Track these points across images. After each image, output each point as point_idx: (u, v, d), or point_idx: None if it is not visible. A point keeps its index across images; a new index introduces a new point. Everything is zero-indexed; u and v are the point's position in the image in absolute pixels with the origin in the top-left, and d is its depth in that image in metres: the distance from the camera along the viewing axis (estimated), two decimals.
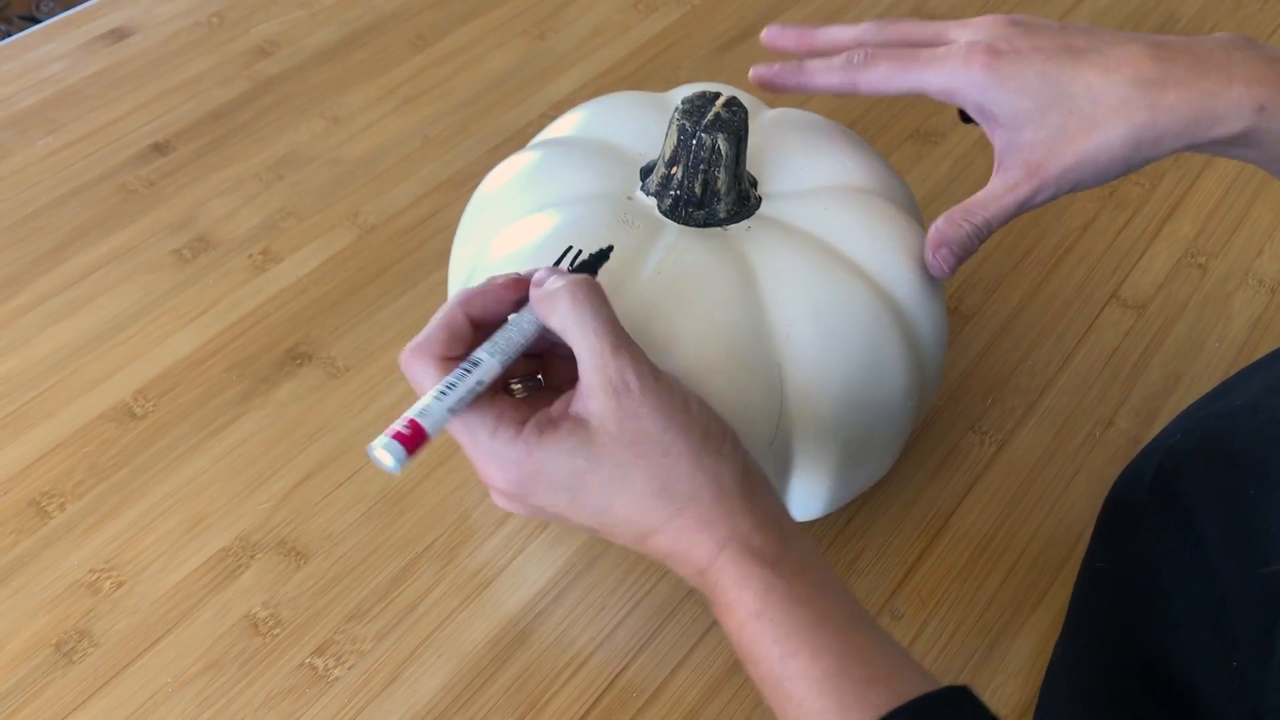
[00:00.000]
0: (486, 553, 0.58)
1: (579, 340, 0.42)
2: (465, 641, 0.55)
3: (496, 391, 0.44)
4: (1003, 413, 0.65)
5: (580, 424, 0.42)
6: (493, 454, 0.42)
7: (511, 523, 0.59)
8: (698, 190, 0.53)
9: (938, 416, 0.65)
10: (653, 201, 0.54)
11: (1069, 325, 0.70)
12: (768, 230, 0.53)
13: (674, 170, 0.53)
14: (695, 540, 0.41)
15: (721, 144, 0.52)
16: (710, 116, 0.52)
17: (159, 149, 0.77)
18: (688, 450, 0.42)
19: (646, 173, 0.56)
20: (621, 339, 0.42)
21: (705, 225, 0.54)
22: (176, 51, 0.84)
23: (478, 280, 0.54)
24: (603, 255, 0.49)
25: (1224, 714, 0.43)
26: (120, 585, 0.56)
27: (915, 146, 0.81)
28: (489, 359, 0.42)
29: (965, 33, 0.53)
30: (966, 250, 0.52)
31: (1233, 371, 0.68)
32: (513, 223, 0.55)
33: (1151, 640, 0.47)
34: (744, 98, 0.59)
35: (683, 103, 0.53)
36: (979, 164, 0.79)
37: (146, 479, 0.60)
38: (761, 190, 0.55)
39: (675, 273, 0.51)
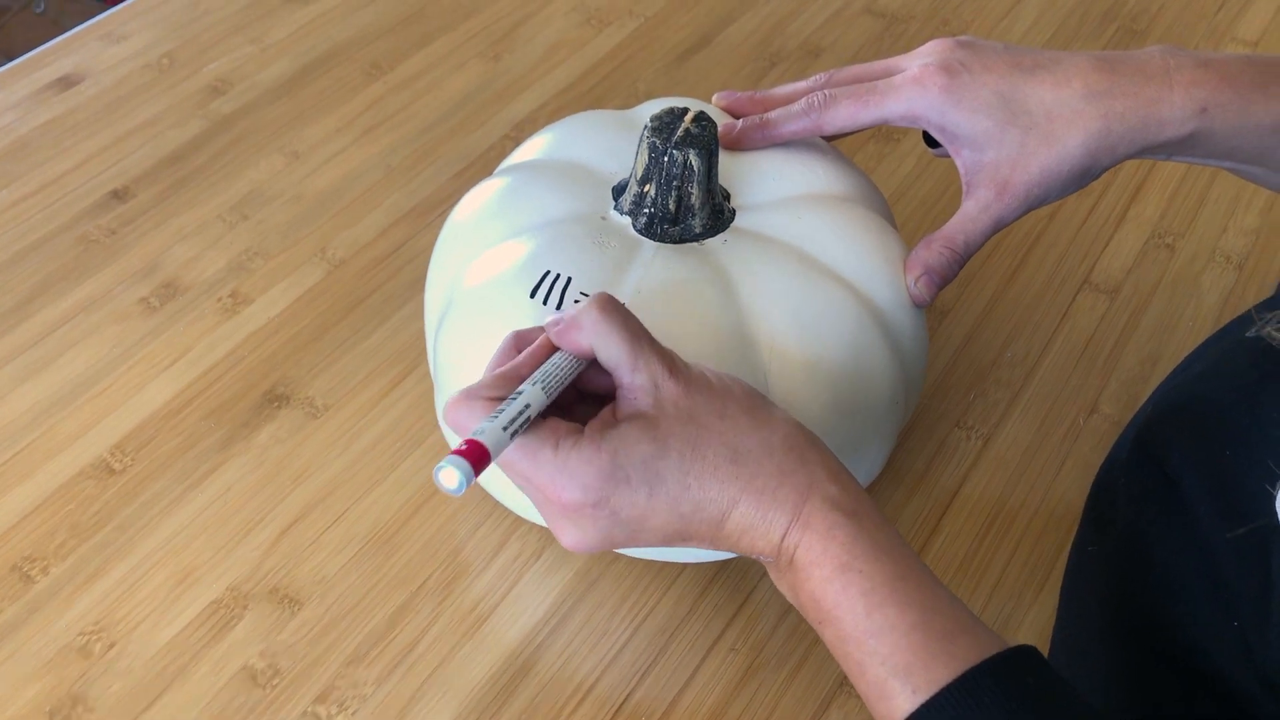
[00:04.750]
0: (482, 586, 0.58)
1: (612, 349, 0.43)
2: (468, 678, 0.54)
3: (545, 417, 0.43)
4: (986, 407, 0.66)
5: (637, 416, 0.42)
6: (562, 467, 0.42)
7: (505, 553, 0.59)
8: (672, 207, 0.53)
9: (922, 415, 0.65)
10: (627, 220, 0.54)
11: (1044, 314, 0.70)
12: (744, 242, 0.53)
13: (647, 188, 0.53)
14: (776, 499, 0.42)
15: (693, 160, 0.52)
16: (680, 133, 0.52)
17: (118, 196, 0.76)
18: (743, 409, 0.43)
19: (619, 192, 0.55)
20: (645, 338, 0.43)
21: (681, 241, 0.53)
22: (128, 96, 0.83)
23: (456, 310, 0.54)
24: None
25: (1234, 677, 0.44)
26: (111, 646, 0.55)
27: (877, 146, 0.81)
28: (532, 388, 0.42)
29: (915, 60, 0.55)
30: (947, 277, 0.53)
31: None
32: (487, 250, 0.54)
33: (1152, 613, 0.47)
34: (710, 111, 0.59)
35: (651, 120, 0.53)
36: (941, 161, 0.79)
37: (131, 535, 0.59)
38: (735, 203, 0.55)
39: (655, 291, 0.51)
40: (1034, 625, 0.56)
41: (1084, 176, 0.53)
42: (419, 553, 0.59)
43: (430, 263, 0.59)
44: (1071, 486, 0.62)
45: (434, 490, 0.61)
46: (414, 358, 0.68)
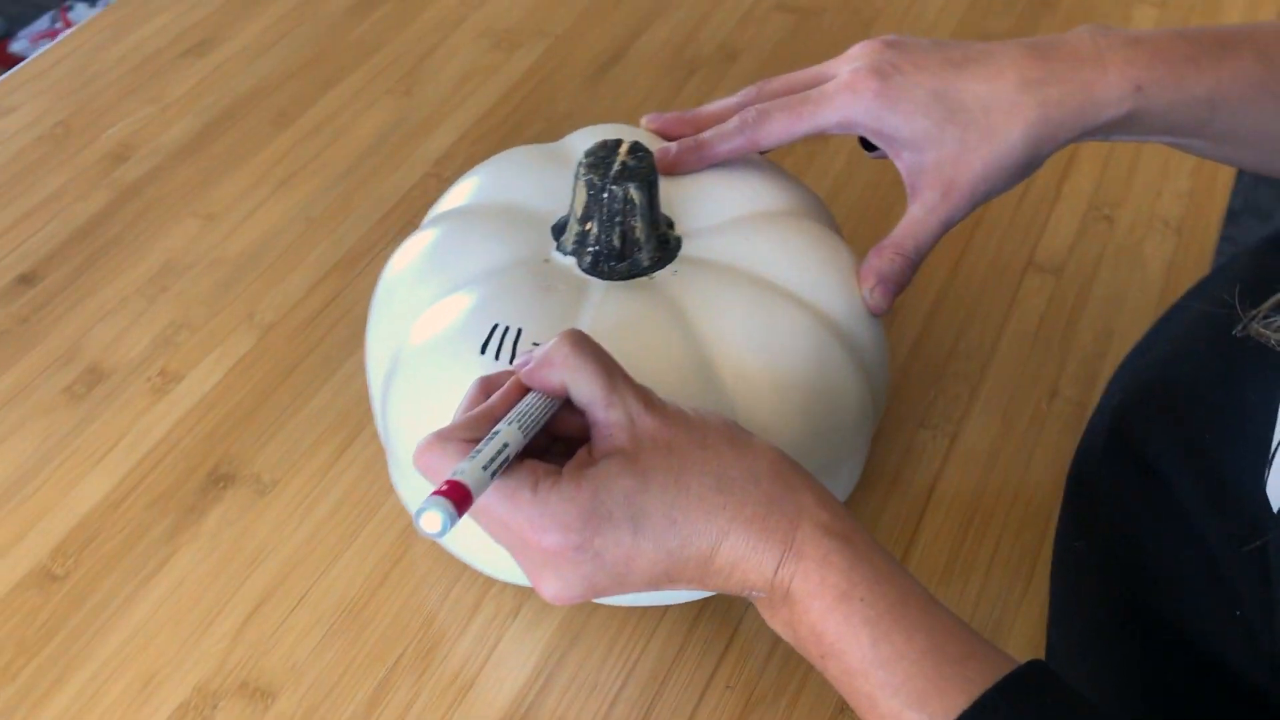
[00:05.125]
0: (462, 652, 0.55)
1: (585, 385, 0.41)
2: None
3: (520, 460, 0.42)
4: (948, 403, 0.65)
5: (615, 453, 0.41)
6: (542, 508, 0.40)
7: (481, 615, 0.57)
8: (616, 243, 0.51)
9: (886, 419, 0.64)
10: (571, 261, 0.52)
11: (993, 301, 0.70)
12: (695, 271, 0.52)
13: (588, 226, 0.51)
14: (766, 528, 0.40)
15: (634, 193, 0.50)
16: (617, 167, 0.50)
17: (26, 280, 0.72)
18: (724, 439, 0.42)
19: (559, 231, 0.54)
20: (619, 373, 0.42)
21: (630, 277, 0.52)
22: (25, 171, 0.79)
23: (404, 371, 0.52)
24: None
25: (1242, 667, 0.43)
26: None
27: (807, 146, 0.80)
28: (508, 428, 0.40)
29: (845, 65, 0.53)
30: (901, 284, 0.52)
31: (1156, 318, 0.68)
32: (429, 307, 0.52)
33: (1151, 610, 0.47)
34: (640, 137, 0.58)
35: (585, 156, 0.51)
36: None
37: (83, 644, 0.56)
38: (679, 229, 0.54)
39: (610, 332, 0.49)
40: (1026, 626, 0.56)
41: (1028, 167, 0.53)
42: (391, 625, 0.56)
43: (369, 321, 0.57)
44: (1044, 475, 0.62)
45: (399, 558, 0.59)
46: (359, 418, 0.65)
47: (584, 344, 0.42)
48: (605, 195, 0.50)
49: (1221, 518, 0.43)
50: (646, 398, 0.42)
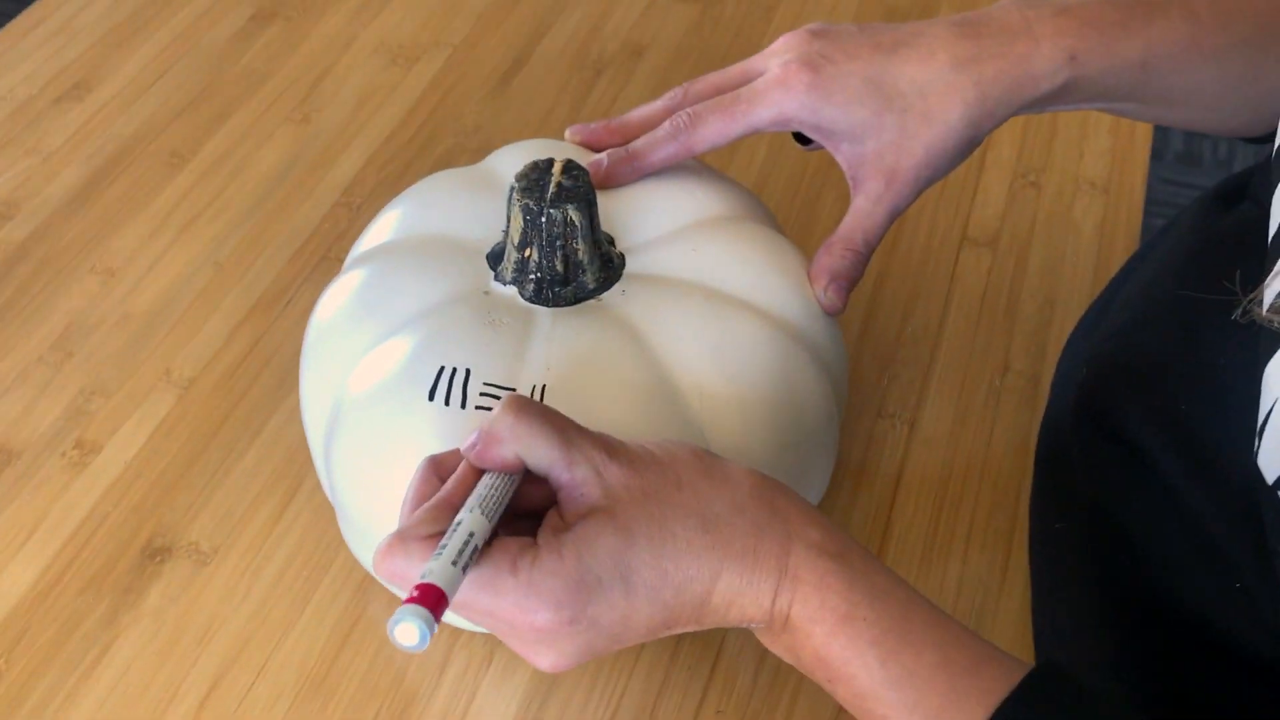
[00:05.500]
0: (437, 710, 0.53)
1: (540, 451, 0.39)
2: None
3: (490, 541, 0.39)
4: (902, 389, 0.64)
5: (589, 513, 0.38)
6: (527, 588, 0.37)
7: (452, 668, 0.54)
8: (559, 268, 0.49)
9: (845, 412, 0.63)
10: (513, 290, 0.50)
11: (933, 280, 0.69)
12: (644, 289, 0.50)
13: (528, 253, 0.49)
14: (759, 559, 0.39)
15: (573, 215, 0.48)
16: (553, 189, 0.48)
17: None
18: (699, 473, 0.40)
19: (495, 259, 0.51)
20: (572, 428, 0.40)
21: (576, 301, 0.49)
22: None
23: (347, 424, 0.49)
24: None
25: (1245, 639, 0.43)
26: None
27: None
28: (470, 514, 0.38)
29: (773, 60, 0.52)
30: (854, 279, 0.51)
31: (1095, 281, 0.68)
32: (366, 354, 0.49)
33: (1144, 590, 0.46)
34: (567, 152, 0.55)
35: (517, 180, 0.49)
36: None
37: None
38: (621, 245, 0.52)
39: (565, 363, 0.47)
40: (1010, 609, 0.55)
41: (969, 147, 0.52)
42: (359, 689, 0.53)
43: (301, 373, 0.54)
44: (1007, 453, 0.61)
45: (358, 617, 0.56)
46: (297, 470, 0.62)
47: (527, 409, 0.40)
48: (543, 219, 0.48)
49: (1208, 489, 0.43)
50: (608, 446, 0.40)
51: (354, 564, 0.58)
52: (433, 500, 0.39)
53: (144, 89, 0.83)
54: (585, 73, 0.83)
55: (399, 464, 0.46)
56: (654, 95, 0.81)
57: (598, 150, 0.56)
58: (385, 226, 0.55)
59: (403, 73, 0.84)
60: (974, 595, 0.56)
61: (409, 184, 0.76)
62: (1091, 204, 0.72)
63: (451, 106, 0.81)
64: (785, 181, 0.75)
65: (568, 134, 0.57)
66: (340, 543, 0.59)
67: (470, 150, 0.78)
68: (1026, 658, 0.53)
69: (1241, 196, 0.53)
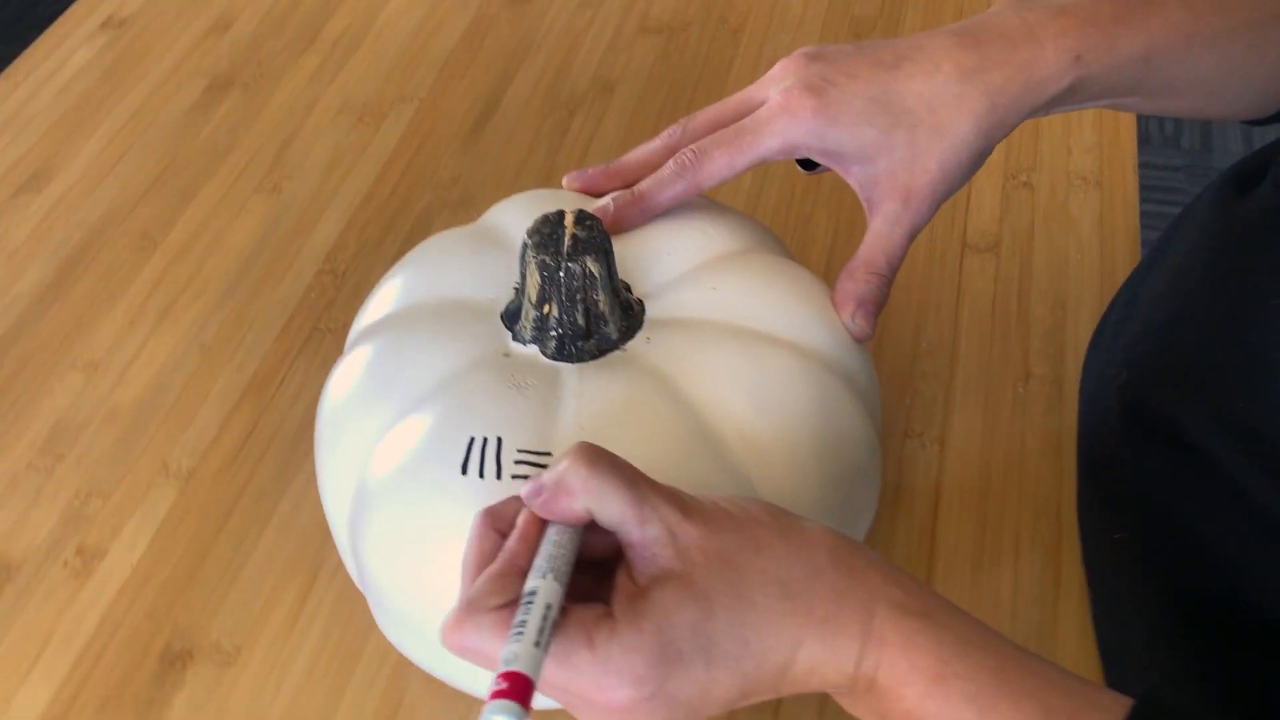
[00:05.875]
0: None
1: (612, 506, 0.37)
2: None
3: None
4: (925, 407, 0.63)
5: (663, 580, 0.36)
6: (604, 665, 0.35)
7: None
8: (581, 321, 0.47)
9: None
10: (534, 349, 0.48)
11: (939, 292, 0.68)
12: (669, 334, 0.48)
13: (547, 309, 0.47)
14: (840, 625, 0.37)
15: (591, 266, 0.46)
16: (568, 242, 0.46)
17: None
18: (776, 534, 0.38)
19: (511, 318, 0.49)
20: (644, 482, 0.38)
21: (601, 354, 0.48)
22: None
23: (375, 507, 0.46)
24: None
25: None
26: None
27: None
28: (543, 581, 0.36)
29: (772, 88, 0.51)
30: (880, 303, 0.50)
31: (1103, 278, 0.68)
32: (387, 432, 0.47)
33: (1221, 596, 0.45)
34: (569, 199, 0.54)
35: (530, 236, 0.47)
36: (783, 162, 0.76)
37: None
38: (638, 292, 0.50)
39: (598, 420, 0.45)
40: (1070, 624, 0.53)
41: (981, 157, 0.51)
42: None
43: (318, 457, 0.52)
44: (1041, 461, 0.60)
45: (398, 703, 0.53)
46: (315, 554, 0.59)
47: (600, 459, 0.38)
48: (562, 274, 0.46)
49: (1273, 481, 0.42)
50: (682, 504, 0.38)
51: (387, 647, 0.55)
52: (499, 565, 0.37)
53: (104, 173, 0.80)
54: (558, 113, 0.82)
55: (437, 546, 0.44)
56: (631, 130, 0.80)
57: (598, 196, 0.54)
58: (388, 297, 0.53)
59: (370, 132, 0.82)
60: (1030, 611, 0.54)
61: (392, 245, 0.74)
62: (1087, 199, 0.72)
63: (425, 161, 0.79)
64: (775, 205, 0.74)
65: (565, 181, 0.55)
66: (370, 625, 0.56)
67: (451, 204, 0.76)
68: (1093, 674, 0.52)
69: (1257, 179, 0.52)
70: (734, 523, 0.38)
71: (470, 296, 0.50)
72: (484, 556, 0.38)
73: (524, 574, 0.37)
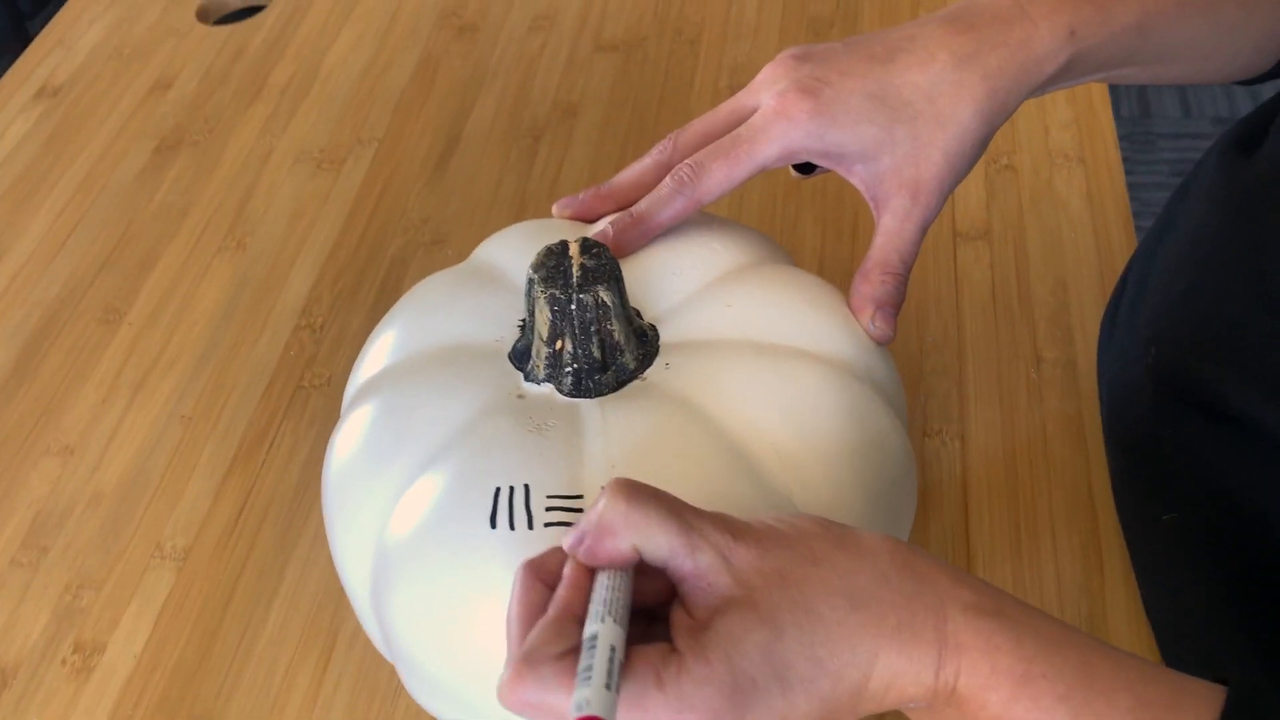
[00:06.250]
0: None
1: (659, 540, 0.35)
2: None
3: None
4: (940, 403, 0.61)
5: (723, 608, 0.34)
6: (678, 702, 0.33)
7: None
8: (596, 354, 0.45)
9: None
10: (549, 388, 0.46)
11: (938, 285, 0.67)
12: (688, 358, 0.46)
13: (559, 344, 0.45)
14: (915, 633, 0.35)
15: (604, 295, 0.44)
16: (577, 273, 0.44)
17: None
18: (832, 544, 0.36)
19: (520, 358, 0.47)
20: (688, 510, 0.36)
21: (620, 386, 0.46)
22: None
23: (398, 572, 0.44)
24: None
25: None
26: None
27: None
28: (603, 625, 0.33)
29: (764, 93, 0.49)
30: (898, 303, 0.48)
31: (1100, 255, 0.67)
32: (405, 491, 0.45)
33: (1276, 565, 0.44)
34: (560, 228, 0.52)
35: (535, 270, 0.45)
36: None
37: None
38: (649, 317, 0.48)
39: (629, 455, 0.43)
40: (1120, 611, 0.52)
41: (984, 144, 0.49)
42: None
43: (329, 524, 0.49)
44: (1065, 446, 0.58)
45: None
46: (329, 622, 0.56)
47: (638, 493, 0.36)
48: (573, 307, 0.44)
49: None
50: (730, 526, 0.36)
51: (419, 711, 0.53)
52: (553, 613, 0.35)
53: (57, 247, 0.77)
54: (523, 141, 0.80)
55: (471, 607, 0.42)
56: (600, 152, 0.78)
57: (591, 221, 0.52)
58: (384, 349, 0.50)
59: (331, 178, 0.79)
60: (1078, 602, 0.53)
61: (368, 294, 0.72)
62: (1071, 176, 0.71)
63: (392, 203, 0.77)
64: (758, 211, 0.72)
65: (556, 210, 0.53)
66: (398, 691, 0.53)
67: (424, 244, 0.74)
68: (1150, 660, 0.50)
69: (1260, 139, 0.51)
70: (786, 539, 0.36)
71: (473, 339, 0.48)
72: (532, 609, 0.36)
73: (580, 621, 0.34)
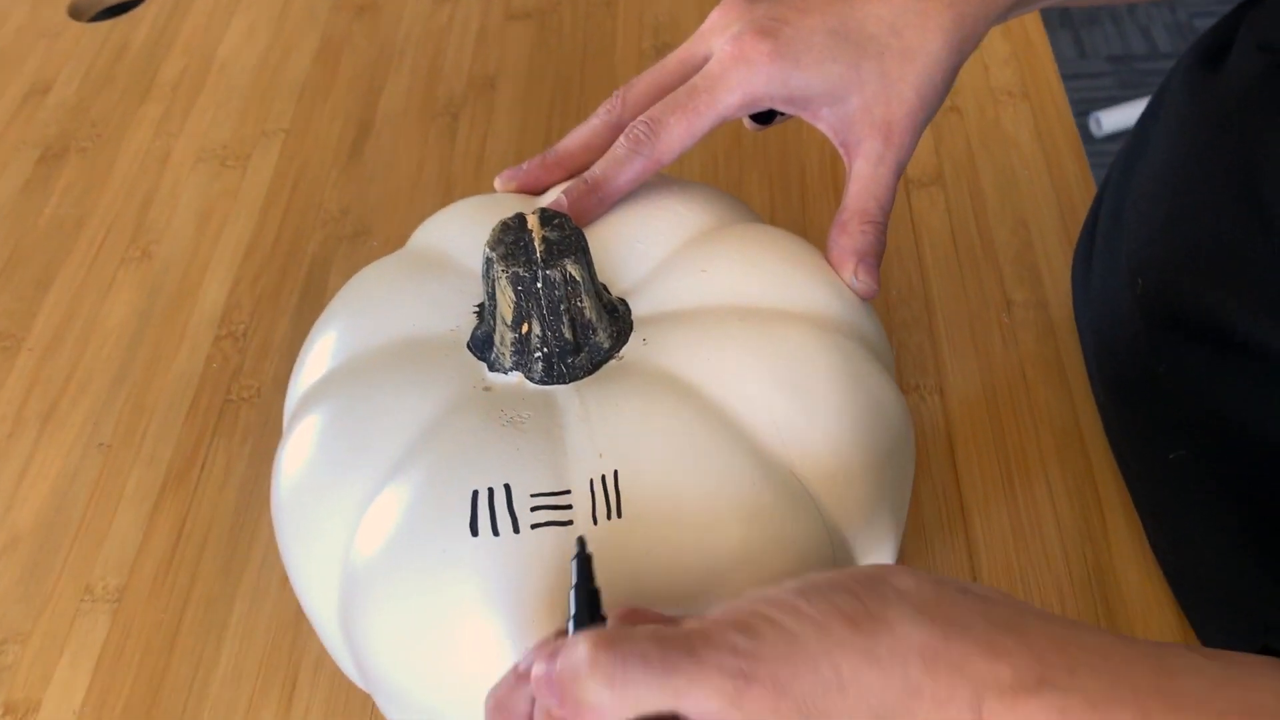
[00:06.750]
0: None
1: (654, 704, 0.30)
2: None
3: None
4: (914, 357, 0.58)
5: None
6: None
7: None
8: (568, 335, 0.41)
9: None
10: (517, 376, 0.42)
11: (895, 236, 0.64)
12: (668, 332, 0.42)
13: (525, 328, 0.41)
14: None
15: (572, 270, 0.40)
16: (540, 246, 0.40)
17: None
18: (860, 657, 0.31)
19: (481, 346, 0.43)
20: (684, 660, 0.30)
21: (596, 368, 0.42)
22: None
23: (369, 592, 0.40)
24: (584, 559, 0.35)
25: None
26: None
27: None
28: None
29: (716, 39, 0.46)
30: (879, 253, 0.45)
31: (1057, 190, 0.65)
32: (370, 503, 0.40)
33: None
34: (509, 203, 0.47)
35: (493, 248, 0.41)
36: None
37: None
38: (617, 292, 0.44)
39: (617, 443, 0.39)
40: (1130, 563, 0.50)
41: (953, 76, 0.47)
42: None
43: (283, 550, 0.44)
44: (1047, 390, 0.56)
45: None
46: (289, 652, 0.52)
47: (620, 671, 0.30)
48: (539, 285, 0.40)
49: None
50: (737, 659, 0.30)
51: None
52: None
53: None
54: (441, 119, 0.75)
55: (457, 623, 0.38)
56: (526, 125, 0.74)
57: (539, 193, 0.48)
58: (324, 352, 0.45)
59: (238, 174, 0.74)
60: (1084, 555, 0.51)
61: (291, 295, 0.67)
62: (1017, 112, 0.69)
63: (306, 197, 0.72)
64: (700, 173, 0.69)
65: (498, 183, 0.49)
66: (371, 717, 0.49)
67: (347, 237, 0.69)
68: (1162, 604, 0.48)
69: (1223, 55, 0.49)
70: (808, 657, 0.31)
71: (425, 332, 0.44)
72: None
73: None
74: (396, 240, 0.54)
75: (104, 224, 0.72)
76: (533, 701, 0.32)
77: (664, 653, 0.30)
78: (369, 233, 0.69)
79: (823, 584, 0.32)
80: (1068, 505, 0.52)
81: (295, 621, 0.53)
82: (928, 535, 0.52)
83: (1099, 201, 0.56)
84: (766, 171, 0.68)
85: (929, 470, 0.54)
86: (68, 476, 0.60)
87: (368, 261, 0.50)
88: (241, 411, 0.61)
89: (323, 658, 0.51)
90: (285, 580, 0.54)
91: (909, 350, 0.59)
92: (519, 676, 0.33)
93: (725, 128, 0.54)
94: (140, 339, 0.65)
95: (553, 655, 0.31)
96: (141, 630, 0.54)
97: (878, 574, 0.32)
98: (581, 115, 0.73)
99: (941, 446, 0.55)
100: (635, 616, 0.33)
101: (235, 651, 0.52)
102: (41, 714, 0.51)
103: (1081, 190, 0.64)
